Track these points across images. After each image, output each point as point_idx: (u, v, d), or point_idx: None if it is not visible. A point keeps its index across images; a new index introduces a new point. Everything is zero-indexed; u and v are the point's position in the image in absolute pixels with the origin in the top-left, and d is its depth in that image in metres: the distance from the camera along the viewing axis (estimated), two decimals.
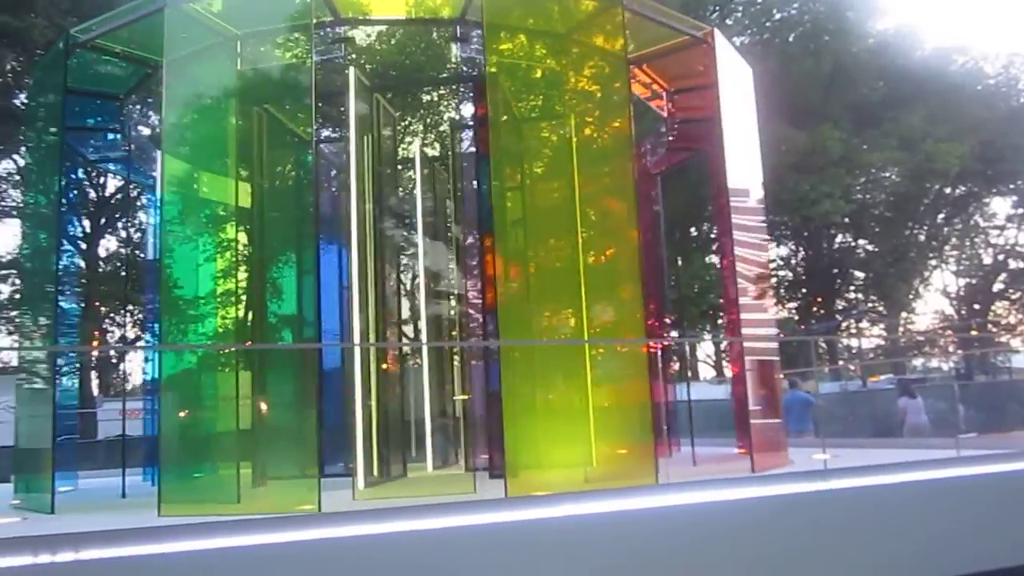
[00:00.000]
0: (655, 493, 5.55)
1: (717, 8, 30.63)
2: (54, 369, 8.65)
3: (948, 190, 34.74)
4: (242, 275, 8.62)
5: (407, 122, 22.98)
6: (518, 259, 8.69)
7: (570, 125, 9.06)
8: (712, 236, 28.82)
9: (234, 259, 8.46)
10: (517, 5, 8.67)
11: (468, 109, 10.66)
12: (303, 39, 7.97)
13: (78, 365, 10.94)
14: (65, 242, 10.58)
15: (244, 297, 8.91)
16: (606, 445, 7.88)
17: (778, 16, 31.26)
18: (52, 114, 9.08)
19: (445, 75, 22.95)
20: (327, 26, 8.53)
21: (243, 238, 8.78)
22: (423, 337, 10.52)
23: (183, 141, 8.23)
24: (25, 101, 23.68)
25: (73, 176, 11.14)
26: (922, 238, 36.23)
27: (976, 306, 38.09)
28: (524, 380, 8.00)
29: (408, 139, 20.39)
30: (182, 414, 7.82)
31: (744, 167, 9.29)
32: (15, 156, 26.36)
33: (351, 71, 8.90)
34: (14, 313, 28.20)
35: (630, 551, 4.98)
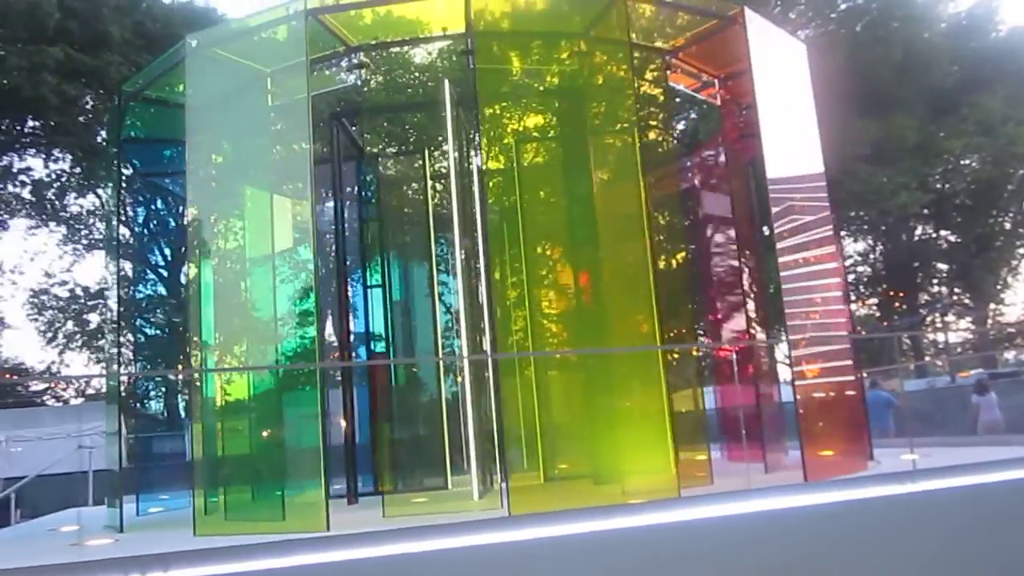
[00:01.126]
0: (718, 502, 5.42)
1: (779, 3, 30.08)
2: (118, 393, 8.93)
3: None
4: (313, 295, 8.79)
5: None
6: (587, 266, 8.67)
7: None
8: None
9: (308, 280, 8.65)
10: (514, 16, 8.67)
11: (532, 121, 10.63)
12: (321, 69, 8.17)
13: (164, 389, 11.32)
14: (147, 271, 10.97)
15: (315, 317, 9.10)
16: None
17: (843, 6, 30.52)
18: (121, 159, 9.47)
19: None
20: (342, 56, 8.66)
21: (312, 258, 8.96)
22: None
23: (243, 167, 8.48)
24: (106, 138, 24.79)
25: (153, 207, 11.57)
26: (1008, 226, 34.81)
27: None
28: (599, 390, 7.97)
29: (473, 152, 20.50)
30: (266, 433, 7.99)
31: (797, 154, 8.77)
32: (99, 190, 27.53)
33: (446, 83, 9.00)
34: (102, 342, 29.44)
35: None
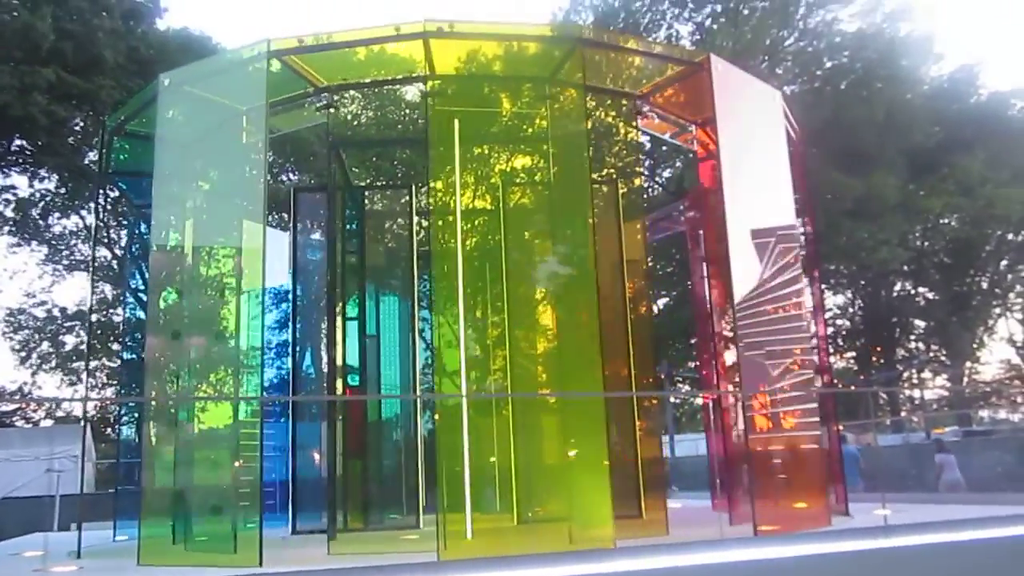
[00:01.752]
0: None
1: (766, 58, 30.66)
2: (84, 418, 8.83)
3: (1011, 236, 33.87)
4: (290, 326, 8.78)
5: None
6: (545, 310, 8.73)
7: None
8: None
9: (286, 310, 8.65)
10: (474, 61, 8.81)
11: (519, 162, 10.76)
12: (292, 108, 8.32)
13: (137, 415, 11.19)
14: (127, 294, 10.92)
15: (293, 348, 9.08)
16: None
17: (829, 64, 31.12)
18: (104, 190, 9.52)
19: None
20: (311, 96, 8.75)
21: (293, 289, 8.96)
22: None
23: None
24: (94, 160, 24.75)
25: (136, 231, 11.53)
26: (985, 285, 35.28)
27: None
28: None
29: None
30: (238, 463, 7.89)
31: (767, 202, 8.68)
32: (83, 212, 27.42)
33: (455, 122, 9.08)
34: (76, 364, 29.10)
35: None
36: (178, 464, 7.60)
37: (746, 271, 8.10)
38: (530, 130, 9.82)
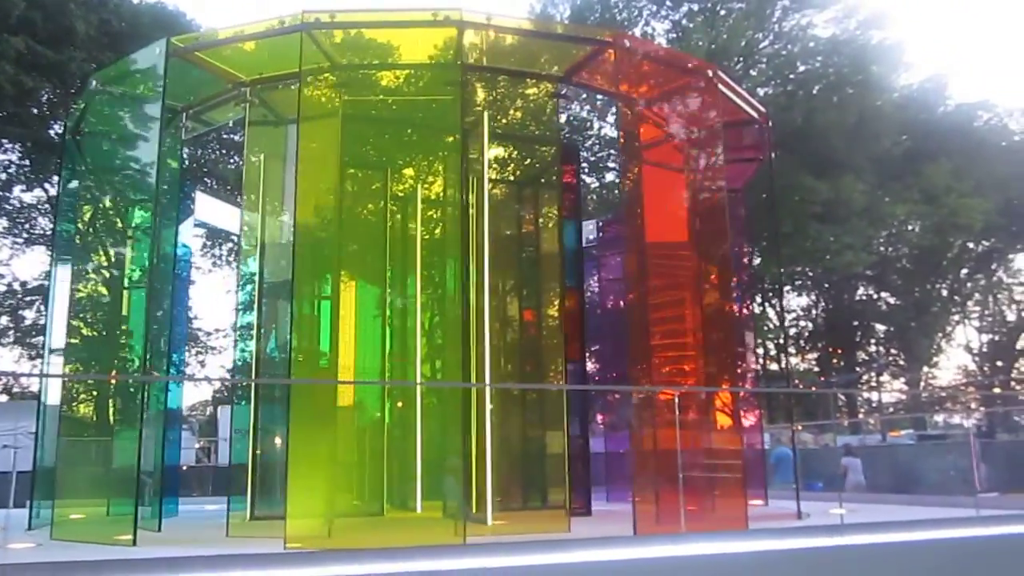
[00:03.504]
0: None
1: (741, 59, 30.90)
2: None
3: (972, 245, 34.57)
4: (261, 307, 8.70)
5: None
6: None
7: None
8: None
9: (254, 291, 8.57)
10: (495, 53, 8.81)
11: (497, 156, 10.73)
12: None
13: (95, 393, 11.02)
14: (89, 271, 10.75)
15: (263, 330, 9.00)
16: None
17: (802, 68, 31.46)
18: (76, 155, 9.40)
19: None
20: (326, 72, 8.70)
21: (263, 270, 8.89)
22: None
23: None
24: (60, 132, 24.27)
25: (100, 206, 11.34)
26: (945, 292, 35.98)
27: (999, 363, 37.60)
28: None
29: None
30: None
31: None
32: (47, 185, 26.91)
33: (485, 115, 9.06)
34: (36, 339, 28.59)
35: None
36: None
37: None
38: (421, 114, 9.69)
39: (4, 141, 25.88)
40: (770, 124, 9.85)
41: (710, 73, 8.58)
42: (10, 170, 27.03)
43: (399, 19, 8.02)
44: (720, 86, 8.65)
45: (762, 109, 9.86)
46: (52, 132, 24.73)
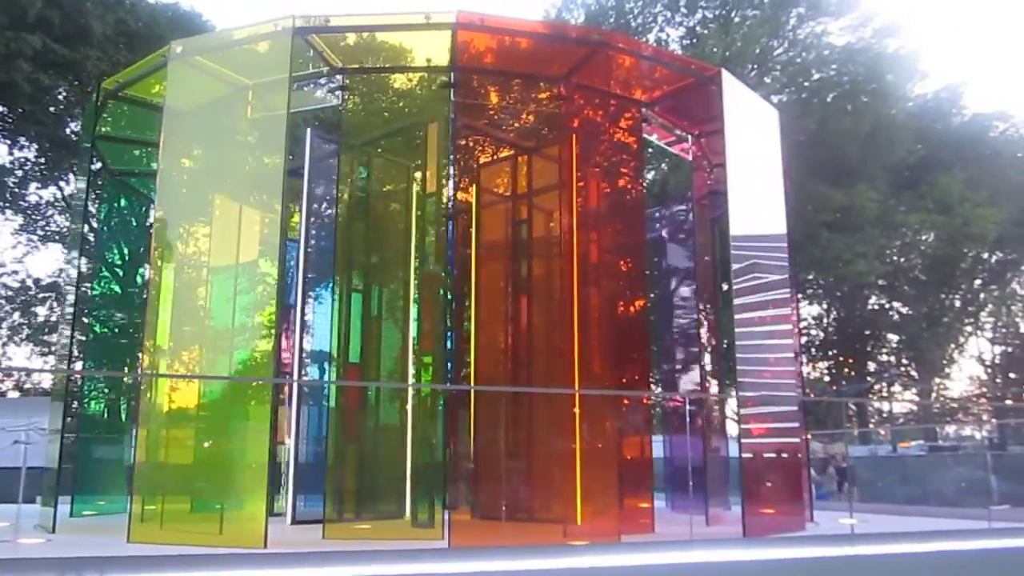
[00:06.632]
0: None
1: (755, 67, 30.80)
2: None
3: (985, 255, 34.32)
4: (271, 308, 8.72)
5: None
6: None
7: None
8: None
9: (265, 292, 8.59)
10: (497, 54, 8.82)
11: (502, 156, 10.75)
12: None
13: (107, 390, 11.08)
14: (104, 268, 10.81)
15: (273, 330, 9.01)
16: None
17: (816, 76, 31.31)
18: (91, 157, 9.46)
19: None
20: (325, 76, 8.74)
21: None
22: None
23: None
24: (76, 131, 24.43)
25: (116, 205, 11.41)
26: (958, 303, 35.72)
27: (1012, 375, 37.30)
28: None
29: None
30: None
31: (762, 214, 8.94)
32: (61, 182, 27.06)
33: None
34: (49, 337, 28.75)
35: None
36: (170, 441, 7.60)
37: (742, 278, 8.31)
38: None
39: (21, 139, 26.05)
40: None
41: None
42: (26, 167, 27.19)
43: (397, 22, 8.13)
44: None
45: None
46: (68, 130, 24.87)
